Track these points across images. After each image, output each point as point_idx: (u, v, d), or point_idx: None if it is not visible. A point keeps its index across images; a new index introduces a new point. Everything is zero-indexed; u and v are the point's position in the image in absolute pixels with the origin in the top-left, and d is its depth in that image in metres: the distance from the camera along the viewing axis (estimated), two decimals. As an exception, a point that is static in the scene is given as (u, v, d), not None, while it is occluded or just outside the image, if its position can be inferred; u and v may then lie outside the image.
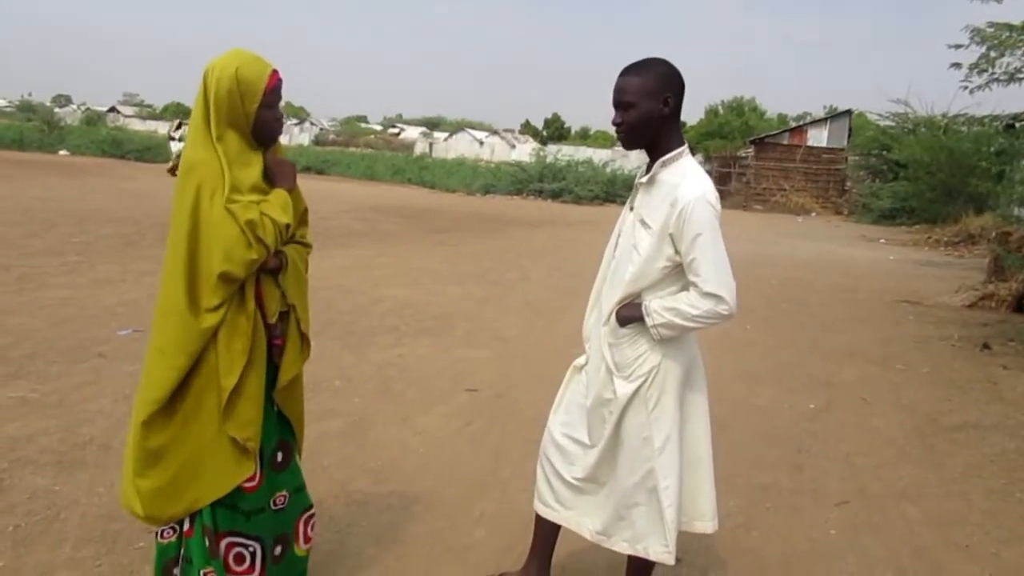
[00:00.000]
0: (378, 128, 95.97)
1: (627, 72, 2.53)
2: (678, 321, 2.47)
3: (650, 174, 2.58)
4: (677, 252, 2.47)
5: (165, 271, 2.38)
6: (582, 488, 2.77)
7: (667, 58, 2.57)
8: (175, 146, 22.59)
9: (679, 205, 2.42)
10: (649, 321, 2.51)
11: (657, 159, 2.56)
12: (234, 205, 2.34)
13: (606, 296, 2.69)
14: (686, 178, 2.49)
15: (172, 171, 19.23)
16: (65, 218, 13.09)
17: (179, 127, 23.80)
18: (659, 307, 2.50)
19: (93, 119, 62.35)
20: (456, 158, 49.87)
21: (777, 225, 24.64)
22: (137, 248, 10.70)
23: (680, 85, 2.54)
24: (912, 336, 8.51)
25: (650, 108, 2.49)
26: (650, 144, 2.57)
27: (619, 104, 2.54)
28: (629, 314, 2.57)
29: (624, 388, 2.59)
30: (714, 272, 2.42)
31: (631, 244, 2.58)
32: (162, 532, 2.54)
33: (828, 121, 34.72)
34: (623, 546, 2.69)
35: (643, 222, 2.55)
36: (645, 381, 2.57)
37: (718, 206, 2.47)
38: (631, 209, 2.65)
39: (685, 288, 2.50)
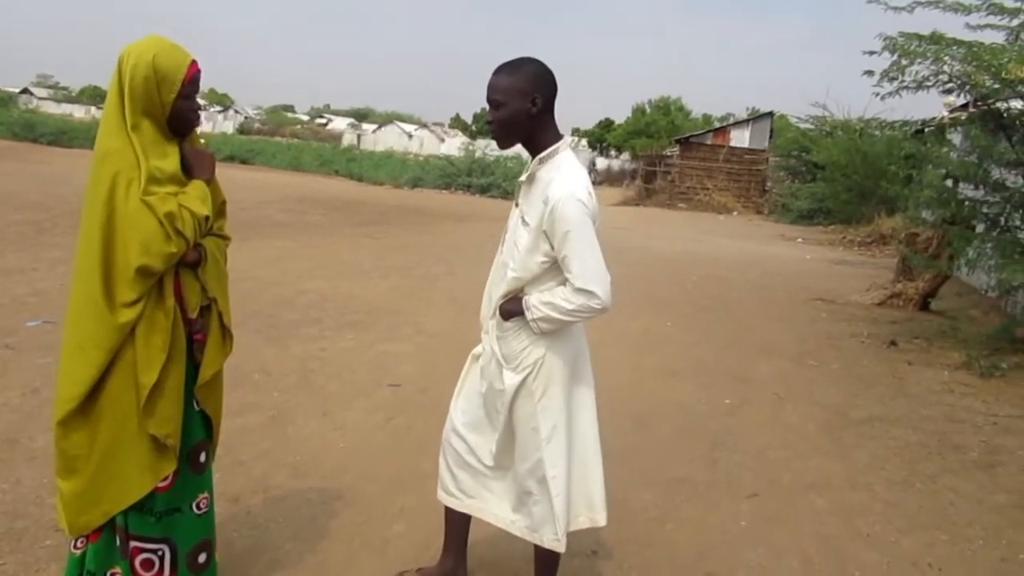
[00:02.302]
0: (305, 118, 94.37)
1: (499, 71, 2.58)
2: (555, 315, 2.54)
3: (529, 172, 2.64)
4: (553, 248, 2.53)
5: (78, 264, 2.30)
6: (488, 475, 2.83)
7: (540, 58, 2.62)
8: None
9: (550, 203, 2.48)
10: (529, 315, 2.58)
11: (536, 156, 2.62)
12: (151, 197, 2.28)
13: (494, 290, 2.76)
14: (559, 174, 2.54)
15: None
16: (-29, 203, 12.55)
17: None
18: (537, 301, 2.57)
19: (4, 100, 59.77)
20: (384, 150, 49.47)
21: (700, 223, 25.13)
22: (49, 235, 10.33)
23: (551, 85, 2.60)
24: (825, 333, 8.82)
25: (519, 107, 2.54)
26: (525, 142, 2.63)
27: (490, 102, 2.59)
28: (511, 308, 2.64)
29: (511, 379, 2.65)
30: (584, 268, 2.49)
31: (514, 241, 2.66)
32: (75, 542, 2.46)
33: (750, 122, 35.44)
34: (525, 533, 2.75)
35: (523, 219, 2.61)
36: (531, 372, 2.64)
37: (590, 202, 2.52)
38: (516, 206, 2.71)
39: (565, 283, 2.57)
